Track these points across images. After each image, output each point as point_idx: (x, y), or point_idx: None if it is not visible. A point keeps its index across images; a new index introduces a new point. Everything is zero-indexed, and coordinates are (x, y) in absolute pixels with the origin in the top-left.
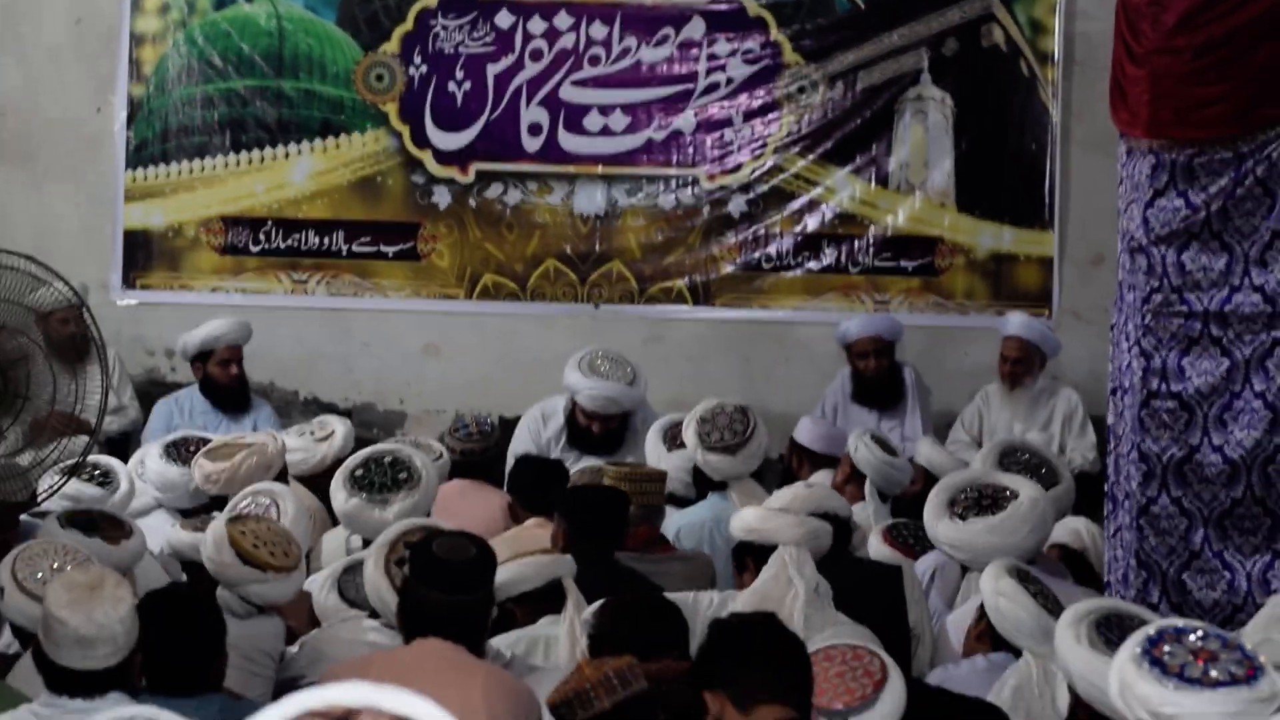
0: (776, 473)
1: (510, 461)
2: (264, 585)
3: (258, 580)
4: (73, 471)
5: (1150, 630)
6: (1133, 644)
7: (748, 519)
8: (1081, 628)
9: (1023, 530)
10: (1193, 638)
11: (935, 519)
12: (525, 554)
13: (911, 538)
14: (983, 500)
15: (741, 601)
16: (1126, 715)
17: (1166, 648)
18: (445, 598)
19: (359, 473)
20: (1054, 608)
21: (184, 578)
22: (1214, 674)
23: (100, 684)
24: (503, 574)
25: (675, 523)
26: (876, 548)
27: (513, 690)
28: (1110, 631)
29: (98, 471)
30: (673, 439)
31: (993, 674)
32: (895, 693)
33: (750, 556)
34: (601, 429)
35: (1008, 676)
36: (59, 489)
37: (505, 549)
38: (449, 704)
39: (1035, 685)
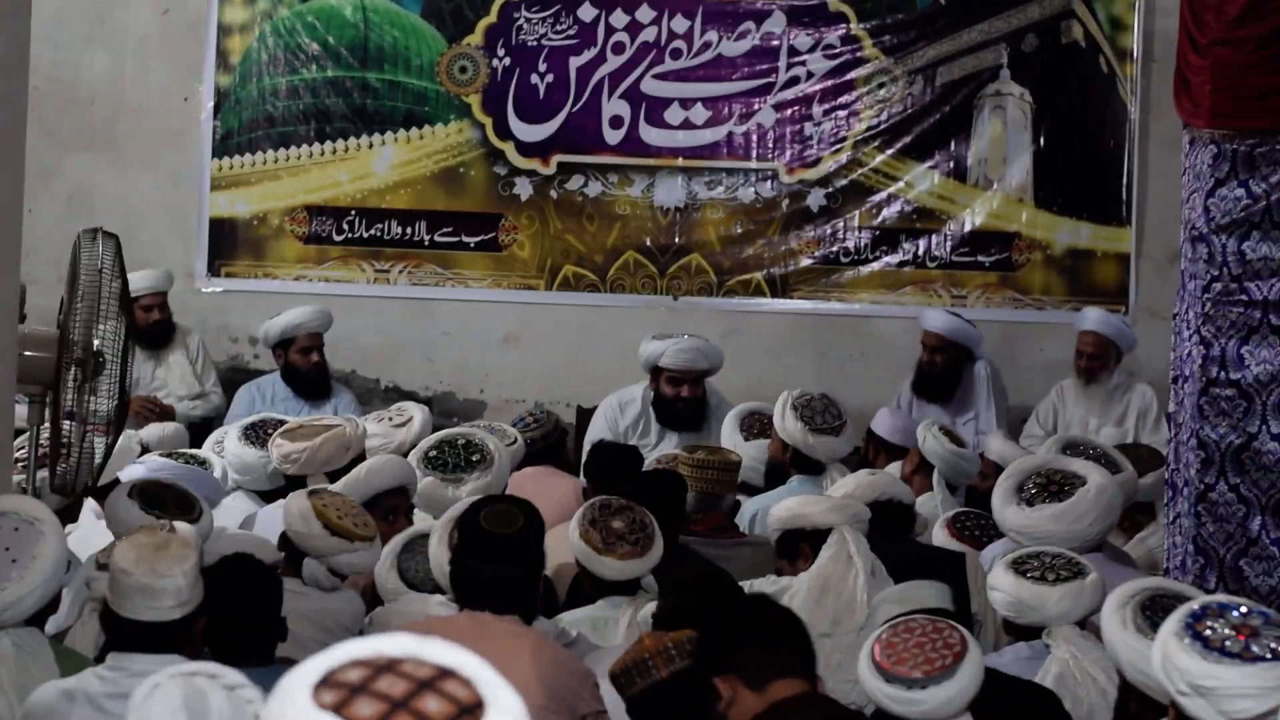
0: (852, 464)
1: (587, 449)
2: (353, 555)
3: (346, 550)
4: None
5: (1195, 605)
6: (1176, 619)
7: (791, 506)
8: (1127, 611)
9: (1089, 517)
10: (1235, 614)
11: (1003, 505)
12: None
13: (976, 528)
14: (1050, 486)
15: (804, 582)
16: (1169, 688)
17: (1209, 623)
18: (492, 569)
19: (433, 453)
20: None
21: (281, 556)
22: (1254, 649)
23: (162, 639)
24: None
25: (754, 504)
26: (941, 538)
27: (564, 660)
28: (1156, 614)
29: (193, 461)
30: (749, 428)
31: (1035, 661)
32: (974, 666)
33: (805, 542)
34: (690, 393)
35: (1049, 664)
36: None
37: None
38: (499, 668)
39: (1076, 671)
